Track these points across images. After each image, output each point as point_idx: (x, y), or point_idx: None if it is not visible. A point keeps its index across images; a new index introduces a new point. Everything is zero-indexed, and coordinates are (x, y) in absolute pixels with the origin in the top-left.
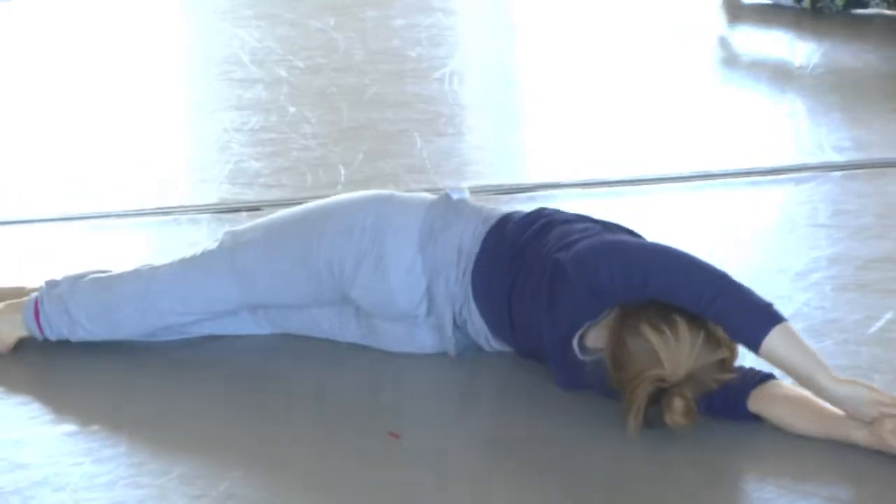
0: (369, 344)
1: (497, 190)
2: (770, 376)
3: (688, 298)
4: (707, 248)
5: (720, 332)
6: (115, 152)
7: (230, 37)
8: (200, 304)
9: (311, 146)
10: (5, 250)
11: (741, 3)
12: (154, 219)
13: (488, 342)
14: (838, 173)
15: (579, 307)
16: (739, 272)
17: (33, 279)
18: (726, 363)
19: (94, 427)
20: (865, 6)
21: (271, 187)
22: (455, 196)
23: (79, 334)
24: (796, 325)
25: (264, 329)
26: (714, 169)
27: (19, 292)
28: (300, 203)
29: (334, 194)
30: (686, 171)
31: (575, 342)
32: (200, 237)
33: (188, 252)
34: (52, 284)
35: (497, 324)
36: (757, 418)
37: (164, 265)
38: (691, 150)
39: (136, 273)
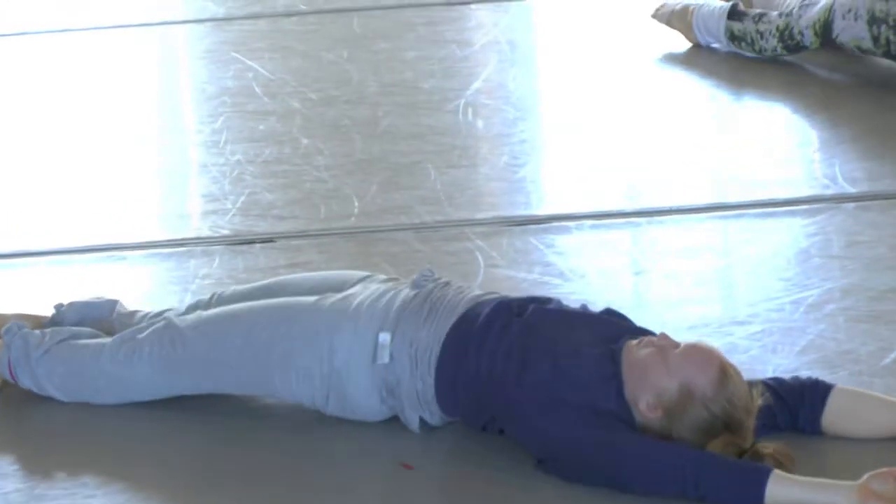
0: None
1: (510, 222)
2: (826, 386)
3: (671, 490)
4: (719, 279)
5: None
6: (128, 184)
7: (243, 69)
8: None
9: (325, 178)
10: (18, 284)
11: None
12: (167, 251)
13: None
14: (852, 204)
15: None
16: (753, 303)
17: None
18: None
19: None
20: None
21: (284, 219)
22: (380, 361)
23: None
24: (810, 357)
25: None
26: (727, 200)
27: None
28: (314, 236)
29: (348, 226)
30: (699, 202)
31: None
32: (213, 269)
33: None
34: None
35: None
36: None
37: (133, 359)
38: (705, 181)
39: (112, 363)
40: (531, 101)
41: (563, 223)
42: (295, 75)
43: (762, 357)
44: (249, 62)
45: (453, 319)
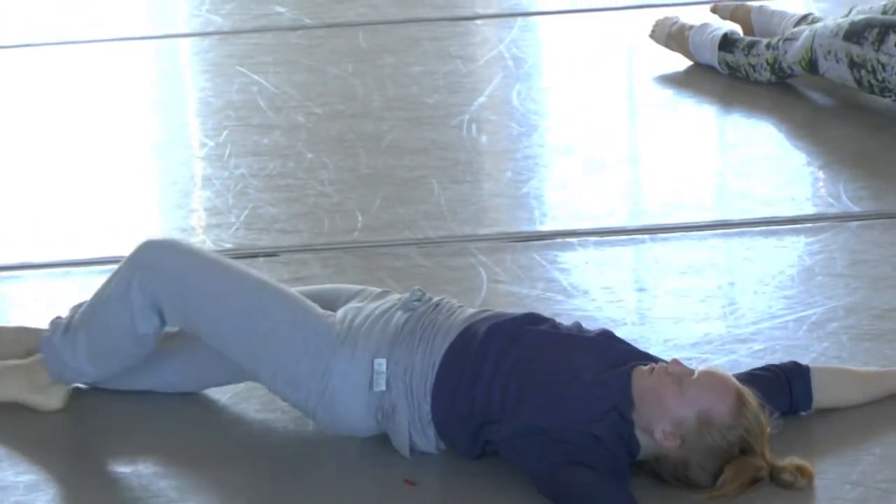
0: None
1: (514, 237)
2: (804, 367)
3: None
4: (723, 297)
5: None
6: (132, 197)
7: (248, 82)
8: None
9: (329, 192)
10: (21, 297)
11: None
12: None
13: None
14: (855, 223)
15: None
16: (756, 321)
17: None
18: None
19: (110, 471)
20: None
21: (288, 233)
22: (377, 388)
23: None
24: None
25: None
26: (731, 218)
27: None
28: (318, 250)
29: (351, 240)
30: (703, 220)
31: None
32: None
33: None
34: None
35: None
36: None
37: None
38: (708, 198)
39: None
40: (535, 117)
41: (567, 239)
42: (300, 89)
43: None
44: (254, 76)
45: (447, 344)
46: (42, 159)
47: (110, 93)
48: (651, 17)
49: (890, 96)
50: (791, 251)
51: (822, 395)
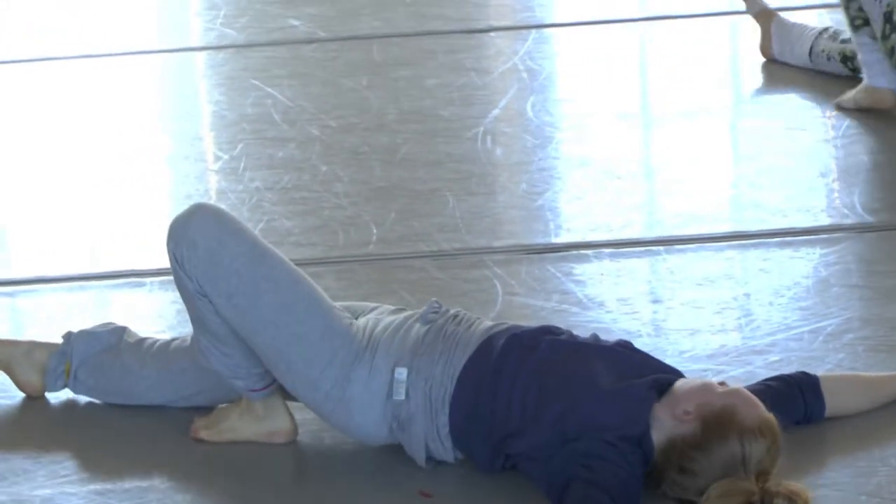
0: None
1: (529, 250)
2: (813, 376)
3: None
4: (739, 308)
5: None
6: (147, 210)
7: (263, 95)
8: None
9: (343, 205)
10: (37, 310)
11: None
12: None
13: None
14: (871, 234)
15: None
16: (771, 332)
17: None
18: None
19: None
20: None
21: (302, 246)
22: (396, 397)
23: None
24: None
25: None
26: (747, 229)
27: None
28: (333, 263)
29: (366, 253)
30: (718, 231)
31: None
32: None
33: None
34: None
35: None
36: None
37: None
38: (724, 209)
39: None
40: (550, 129)
41: (582, 251)
42: (314, 102)
43: None
44: (269, 89)
45: (467, 356)
46: (57, 173)
47: (125, 106)
48: (665, 28)
49: None
50: (806, 262)
51: (833, 402)
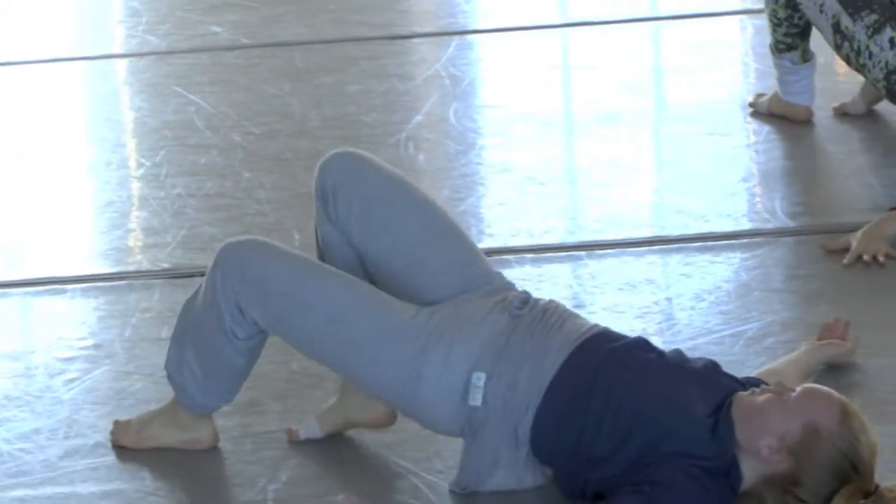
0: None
1: None
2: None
3: None
4: (660, 313)
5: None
6: (68, 217)
7: (185, 102)
8: None
9: (266, 211)
10: None
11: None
12: (108, 284)
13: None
14: (791, 238)
15: None
16: (693, 336)
17: None
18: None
19: None
20: None
21: None
22: (472, 403)
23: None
24: None
25: None
26: (668, 233)
27: None
28: None
29: None
30: (639, 236)
31: None
32: (153, 303)
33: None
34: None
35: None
36: None
37: None
38: (646, 214)
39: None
40: (473, 135)
41: (504, 257)
42: (237, 109)
43: None
44: (191, 96)
45: (557, 365)
46: None
47: (46, 113)
48: (586, 34)
49: (862, 73)
50: (727, 266)
51: None
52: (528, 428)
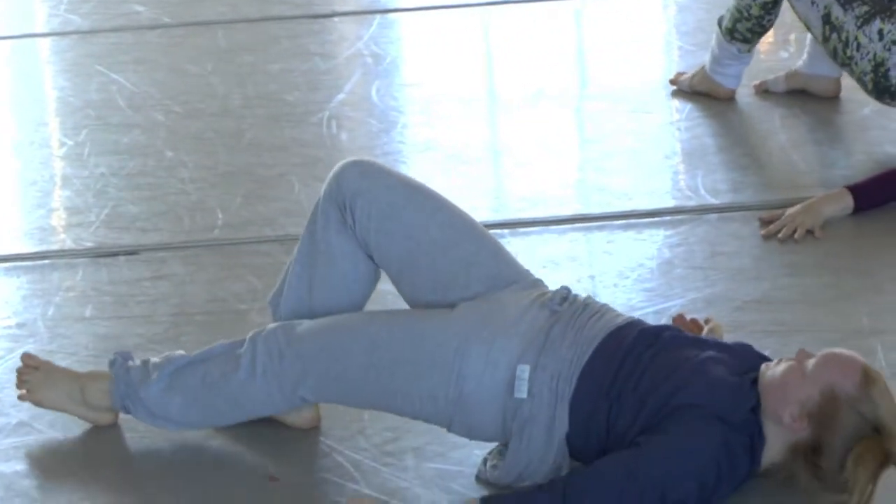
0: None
1: None
2: None
3: None
4: (583, 290)
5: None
6: None
7: (107, 81)
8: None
9: (189, 190)
10: None
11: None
12: (30, 263)
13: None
14: (714, 216)
15: None
16: None
17: None
18: None
19: None
20: None
21: (148, 231)
22: (518, 395)
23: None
24: None
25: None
26: (591, 211)
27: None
28: (178, 248)
29: (212, 238)
30: (563, 214)
31: None
32: (77, 282)
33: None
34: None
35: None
36: None
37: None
38: (569, 192)
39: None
40: (395, 114)
41: None
42: (159, 88)
43: None
44: (113, 75)
45: (592, 348)
46: None
47: None
48: (509, 12)
49: (847, 70)
50: (650, 244)
51: None
52: (565, 416)
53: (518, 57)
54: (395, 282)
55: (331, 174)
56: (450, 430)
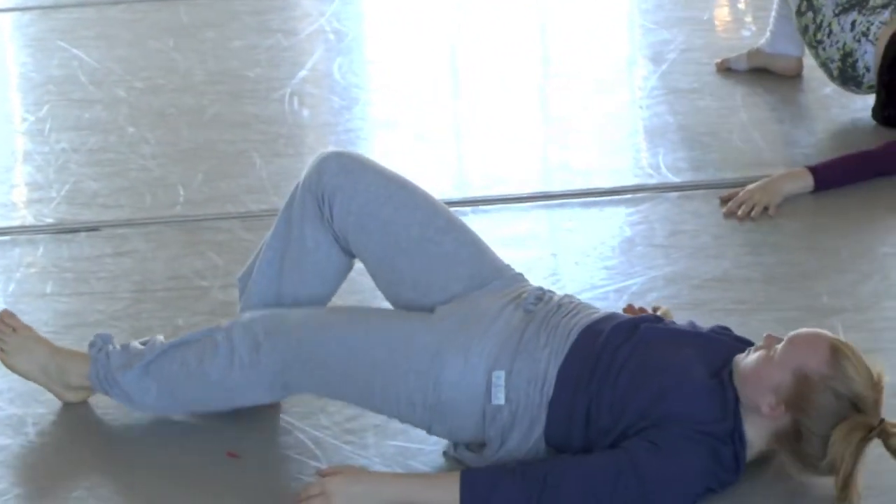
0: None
1: None
2: None
3: None
4: (545, 268)
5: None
6: None
7: (69, 57)
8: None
9: (150, 166)
10: None
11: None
12: None
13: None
14: (675, 194)
15: None
16: (577, 291)
17: None
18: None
19: None
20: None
21: (110, 207)
22: (495, 402)
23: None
24: None
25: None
26: (553, 189)
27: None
28: (140, 224)
29: (173, 214)
30: (525, 192)
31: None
32: (38, 258)
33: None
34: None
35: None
36: None
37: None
38: (531, 170)
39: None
40: (357, 91)
41: None
42: (121, 64)
43: None
44: (75, 50)
45: (568, 345)
46: None
47: None
48: None
49: (812, 52)
50: (612, 222)
51: None
52: (543, 417)
53: (481, 34)
54: (374, 276)
55: (311, 163)
56: (430, 433)
